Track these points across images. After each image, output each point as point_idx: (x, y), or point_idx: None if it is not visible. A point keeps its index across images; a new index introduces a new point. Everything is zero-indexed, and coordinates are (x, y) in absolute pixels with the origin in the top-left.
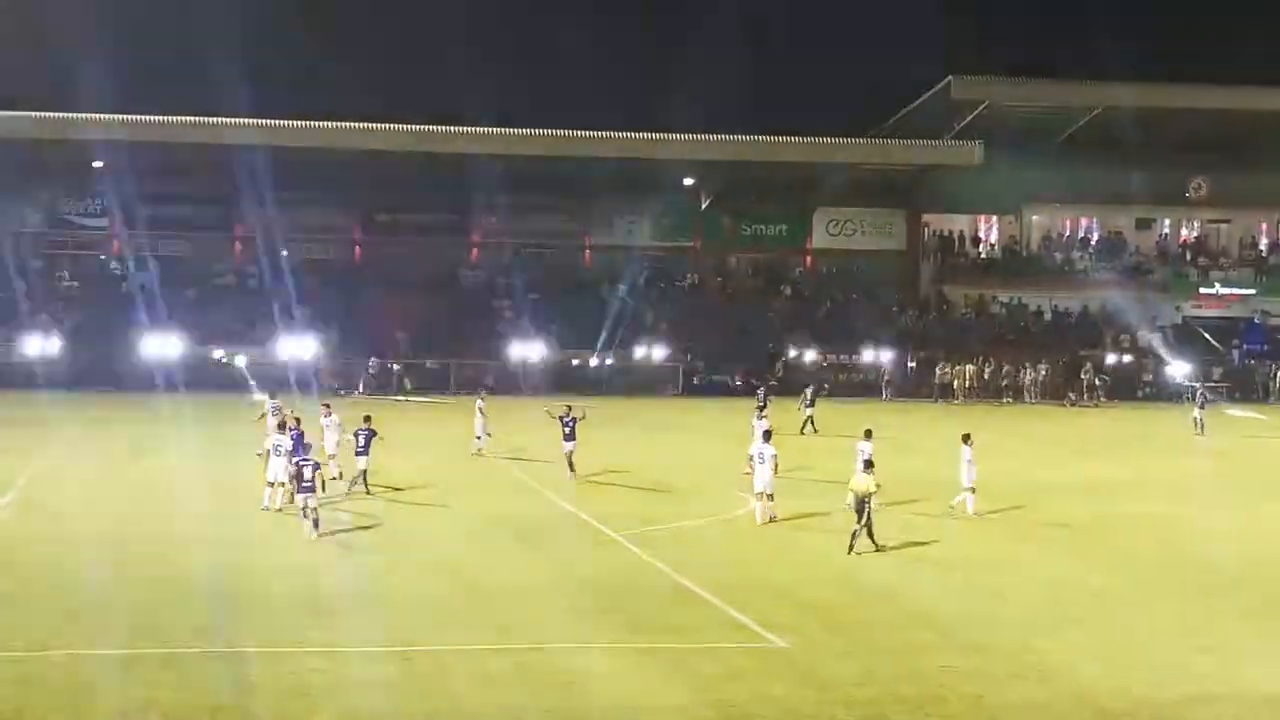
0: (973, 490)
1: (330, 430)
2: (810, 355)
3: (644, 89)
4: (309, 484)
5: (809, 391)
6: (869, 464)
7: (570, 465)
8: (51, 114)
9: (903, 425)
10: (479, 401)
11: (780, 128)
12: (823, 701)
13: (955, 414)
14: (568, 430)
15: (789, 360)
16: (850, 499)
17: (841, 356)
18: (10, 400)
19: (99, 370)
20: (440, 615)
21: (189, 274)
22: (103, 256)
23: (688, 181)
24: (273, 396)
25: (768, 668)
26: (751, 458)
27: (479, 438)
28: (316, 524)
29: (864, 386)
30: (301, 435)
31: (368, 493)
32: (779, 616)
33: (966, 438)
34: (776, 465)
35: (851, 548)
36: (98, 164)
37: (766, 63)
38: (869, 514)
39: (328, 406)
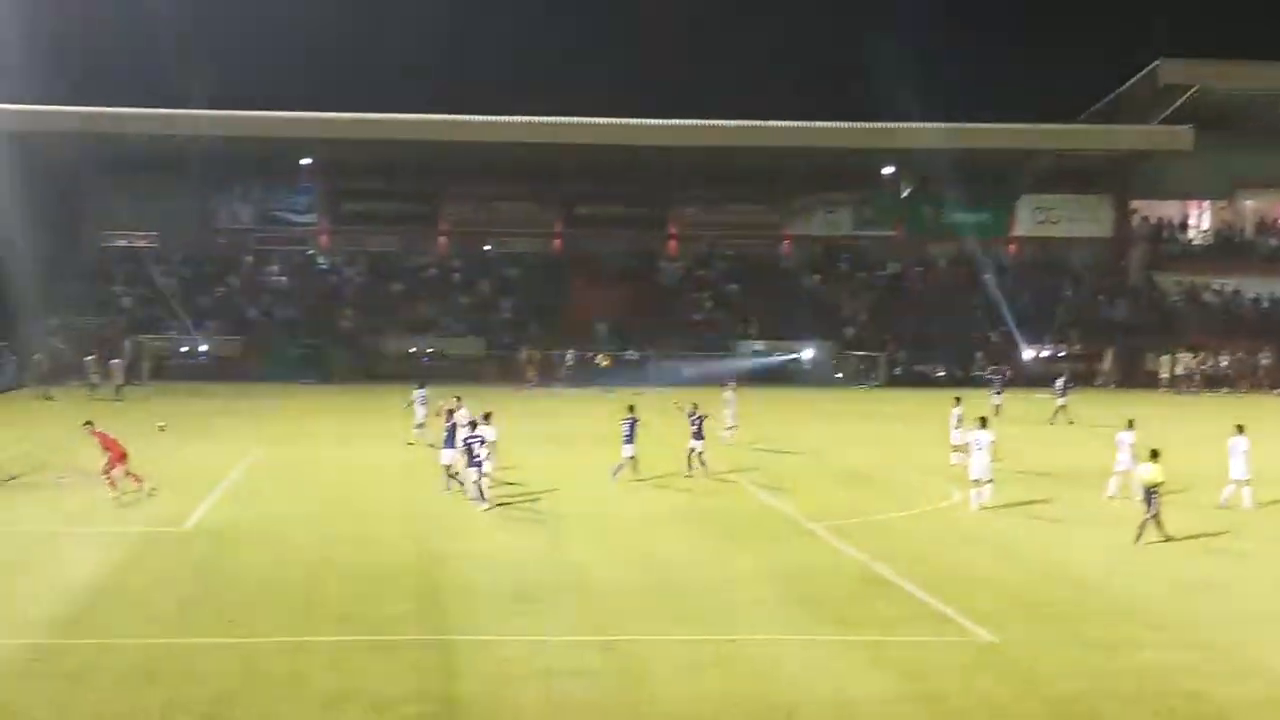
0: (1247, 482)
1: (462, 427)
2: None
3: (843, 77)
4: (478, 459)
5: (1061, 382)
6: (1155, 454)
7: (702, 462)
8: (263, 113)
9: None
10: (726, 392)
11: (984, 114)
12: (1030, 696)
13: (1185, 404)
14: (695, 428)
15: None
16: (1136, 489)
17: (1059, 348)
18: (222, 393)
19: (306, 363)
20: (640, 605)
21: (394, 268)
22: (310, 251)
23: (888, 170)
24: (420, 386)
25: (973, 660)
26: (956, 448)
27: (729, 428)
28: (484, 495)
29: (1075, 376)
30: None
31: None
32: (985, 608)
33: (1240, 428)
34: (994, 452)
35: (1139, 537)
36: (306, 161)
37: (970, 49)
38: (1157, 504)
39: (459, 399)
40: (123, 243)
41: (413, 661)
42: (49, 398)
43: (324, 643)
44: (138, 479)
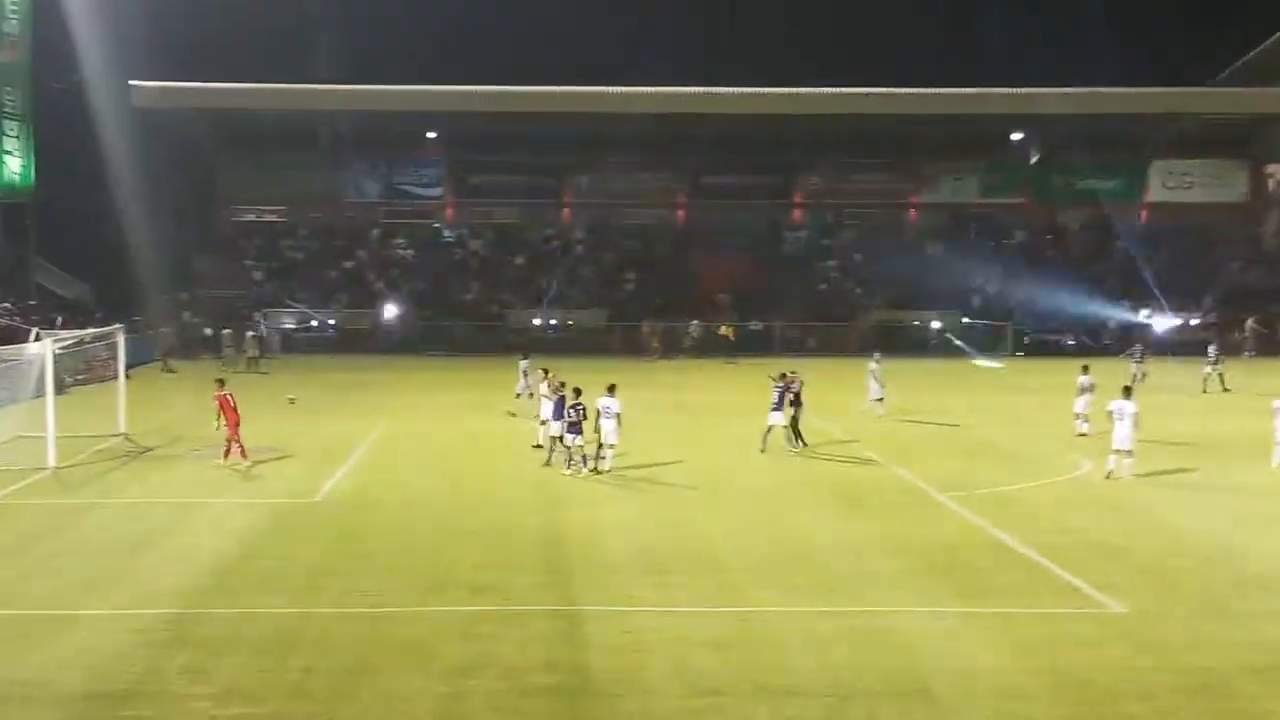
0: None
1: (546, 402)
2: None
3: (968, 43)
4: (577, 426)
5: (1214, 349)
6: None
7: (796, 434)
8: (390, 87)
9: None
10: (872, 364)
11: (1114, 78)
12: (1162, 669)
13: None
14: (792, 397)
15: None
16: None
17: (1185, 315)
18: (350, 365)
19: (433, 334)
20: (770, 576)
21: (518, 240)
22: (435, 225)
23: (1016, 136)
24: (525, 356)
25: (1103, 633)
26: (1079, 416)
27: (877, 399)
28: (585, 460)
29: (1200, 344)
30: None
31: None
32: (1115, 580)
33: None
34: (1137, 422)
35: None
36: (431, 134)
37: (1099, 12)
38: None
39: (546, 371)
40: (252, 217)
41: (543, 631)
42: (170, 370)
43: (455, 613)
44: (244, 453)
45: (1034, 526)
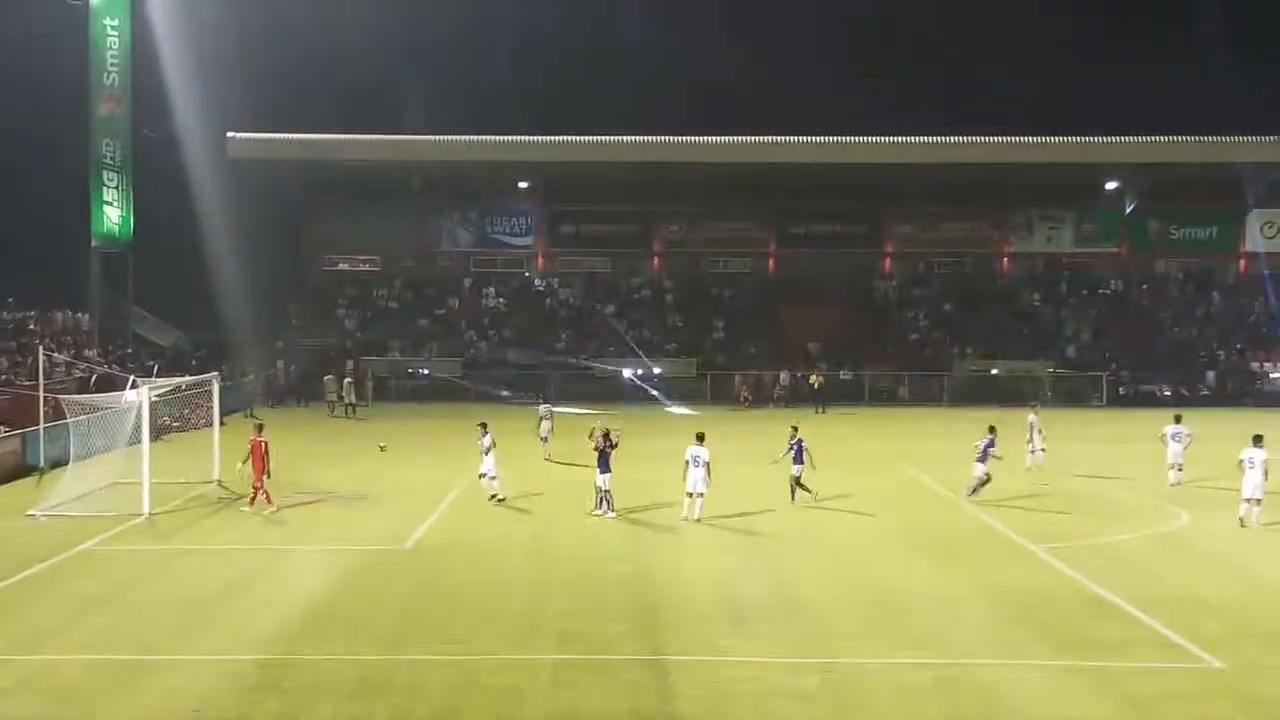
0: None
1: (486, 453)
2: None
3: (1062, 90)
4: (605, 465)
5: None
6: None
7: (803, 488)
8: (480, 137)
9: None
10: (1031, 415)
11: (1210, 125)
12: None
13: None
14: (794, 454)
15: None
16: None
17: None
18: (441, 412)
19: (527, 382)
20: (858, 626)
21: (608, 289)
22: (526, 274)
23: (1111, 185)
24: (544, 401)
25: (1202, 688)
26: (1172, 466)
27: (1038, 450)
28: (608, 503)
29: None
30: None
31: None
32: (1214, 634)
33: None
34: (1268, 470)
35: None
36: (523, 184)
37: (1193, 60)
38: None
39: (484, 426)
40: (345, 266)
41: (631, 681)
42: (254, 417)
43: (543, 660)
44: (270, 498)
45: (1130, 579)
